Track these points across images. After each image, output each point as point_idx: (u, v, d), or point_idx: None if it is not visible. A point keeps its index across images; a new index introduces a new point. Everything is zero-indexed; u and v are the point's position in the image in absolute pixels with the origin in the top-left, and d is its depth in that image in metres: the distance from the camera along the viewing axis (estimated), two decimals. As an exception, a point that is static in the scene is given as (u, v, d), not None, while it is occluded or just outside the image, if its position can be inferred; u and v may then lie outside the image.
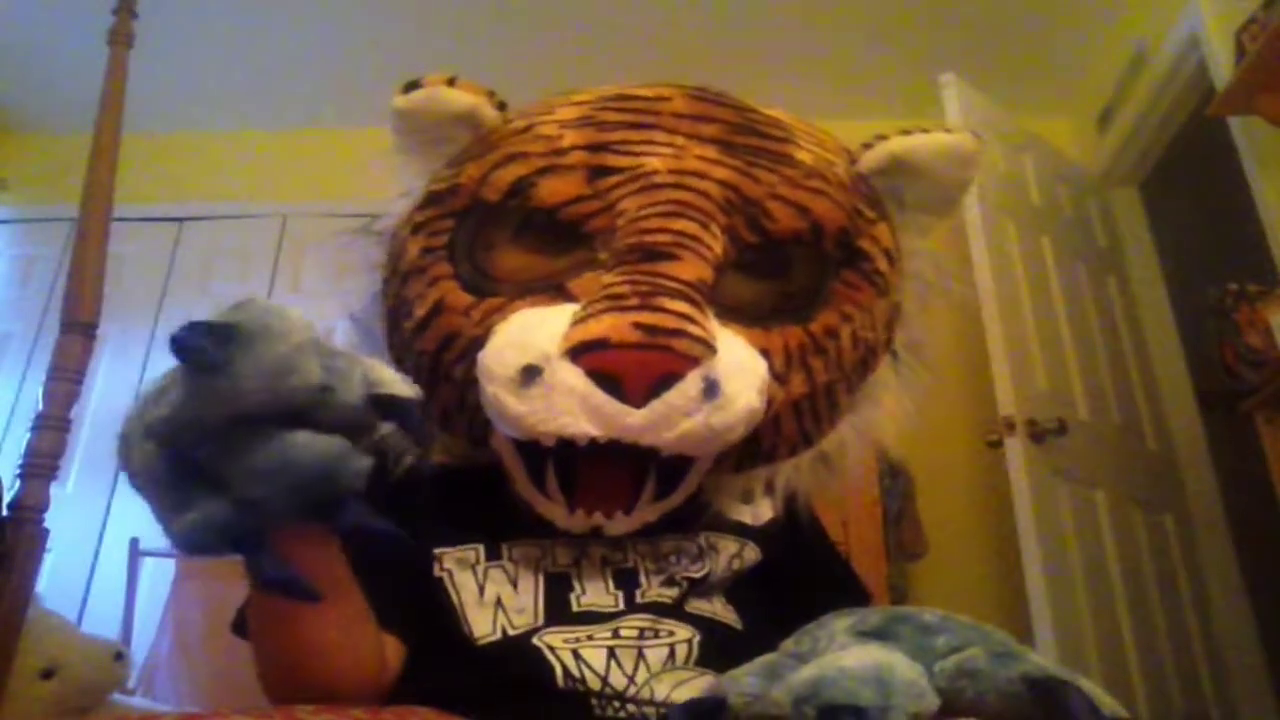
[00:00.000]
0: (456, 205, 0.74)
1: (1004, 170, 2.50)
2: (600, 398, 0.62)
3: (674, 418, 0.63)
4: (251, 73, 3.15)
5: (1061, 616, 1.97)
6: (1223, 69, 2.18)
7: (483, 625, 0.68)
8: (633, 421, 0.62)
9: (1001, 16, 2.77)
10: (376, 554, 0.65)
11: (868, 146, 0.79)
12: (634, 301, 0.64)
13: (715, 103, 0.77)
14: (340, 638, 0.61)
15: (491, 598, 0.69)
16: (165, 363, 0.47)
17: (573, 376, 0.62)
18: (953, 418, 2.64)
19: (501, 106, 0.78)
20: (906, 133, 0.79)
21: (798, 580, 0.79)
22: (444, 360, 0.72)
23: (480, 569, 0.70)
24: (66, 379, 1.38)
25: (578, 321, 0.65)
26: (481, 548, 0.71)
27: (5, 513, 1.29)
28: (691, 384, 0.63)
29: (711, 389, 0.63)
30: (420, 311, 0.72)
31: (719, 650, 0.68)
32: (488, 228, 0.73)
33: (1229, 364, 1.90)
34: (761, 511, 0.80)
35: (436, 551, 0.71)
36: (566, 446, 0.65)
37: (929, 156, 0.78)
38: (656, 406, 0.62)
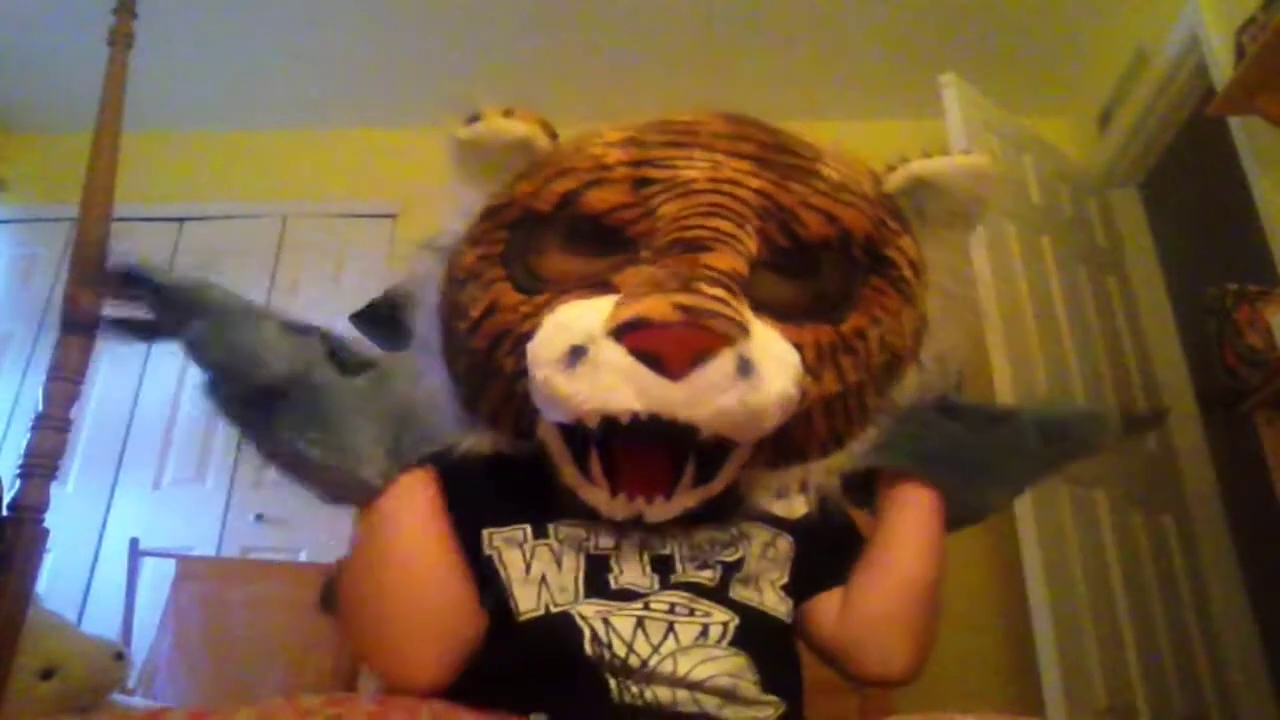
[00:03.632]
0: (510, 217, 0.80)
1: (1004, 170, 2.50)
2: (643, 373, 0.65)
3: (711, 393, 0.66)
4: (251, 73, 3.15)
5: (1061, 616, 1.97)
6: (1223, 69, 2.18)
7: (528, 600, 0.72)
8: (674, 395, 0.66)
9: (1001, 16, 2.78)
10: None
11: (892, 169, 0.85)
12: (673, 285, 0.69)
13: (751, 124, 0.83)
14: (463, 592, 0.70)
15: (537, 575, 0.73)
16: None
17: (617, 354, 0.66)
18: (953, 418, 2.63)
19: (553, 135, 0.84)
20: (927, 155, 0.84)
21: (822, 561, 0.82)
22: (496, 356, 0.76)
23: (528, 547, 0.74)
24: (66, 379, 1.38)
25: (620, 305, 0.69)
26: (529, 527, 0.76)
27: (5, 513, 1.29)
28: (727, 361, 0.66)
29: (745, 368, 0.67)
30: (475, 313, 0.78)
31: (758, 638, 0.72)
32: (539, 235, 0.79)
33: (1229, 364, 1.90)
34: (795, 506, 0.84)
35: (485, 531, 0.75)
36: (610, 429, 0.68)
37: (949, 177, 0.83)
38: (694, 380, 0.65)
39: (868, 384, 0.80)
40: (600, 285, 0.73)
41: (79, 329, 1.41)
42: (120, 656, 1.54)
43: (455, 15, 2.86)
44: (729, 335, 0.67)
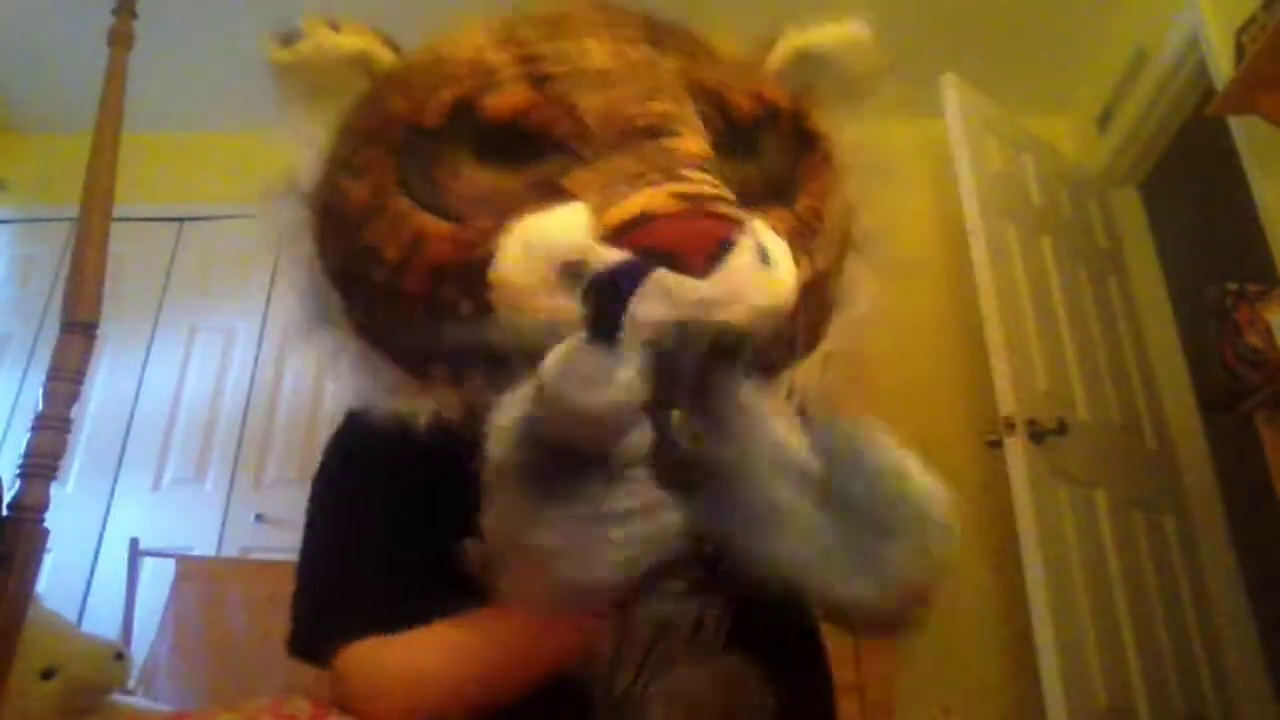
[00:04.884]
0: (393, 139, 0.67)
1: (1004, 170, 2.50)
2: (663, 273, 0.56)
3: (741, 288, 0.58)
4: (251, 73, 3.12)
5: (1061, 616, 1.97)
6: (1223, 69, 2.18)
7: None
8: (704, 294, 0.56)
9: (1001, 16, 2.77)
10: (420, 540, 0.65)
11: (764, 47, 0.79)
12: (657, 176, 0.59)
13: (620, 10, 0.73)
14: None
15: None
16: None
17: (623, 259, 0.56)
18: (953, 418, 2.64)
19: (394, 48, 0.74)
20: (801, 27, 0.79)
21: None
22: (442, 296, 0.63)
23: None
24: (66, 379, 1.38)
25: (601, 207, 0.58)
26: None
27: (5, 513, 1.29)
28: (747, 249, 0.58)
29: (764, 255, 0.60)
30: (393, 253, 0.64)
31: (756, 624, 0.67)
32: (436, 153, 0.66)
33: (1229, 364, 1.90)
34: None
35: (469, 544, 0.66)
36: None
37: (831, 45, 0.78)
38: (724, 274, 0.56)
39: (828, 267, 0.73)
40: (548, 195, 0.61)
41: (79, 329, 1.41)
42: (120, 656, 1.54)
43: (455, 16, 2.86)
44: (739, 220, 0.58)
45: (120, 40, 1.64)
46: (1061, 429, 2.15)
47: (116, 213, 1.52)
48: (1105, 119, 2.91)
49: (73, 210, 1.51)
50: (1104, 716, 1.97)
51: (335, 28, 0.71)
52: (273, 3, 3.17)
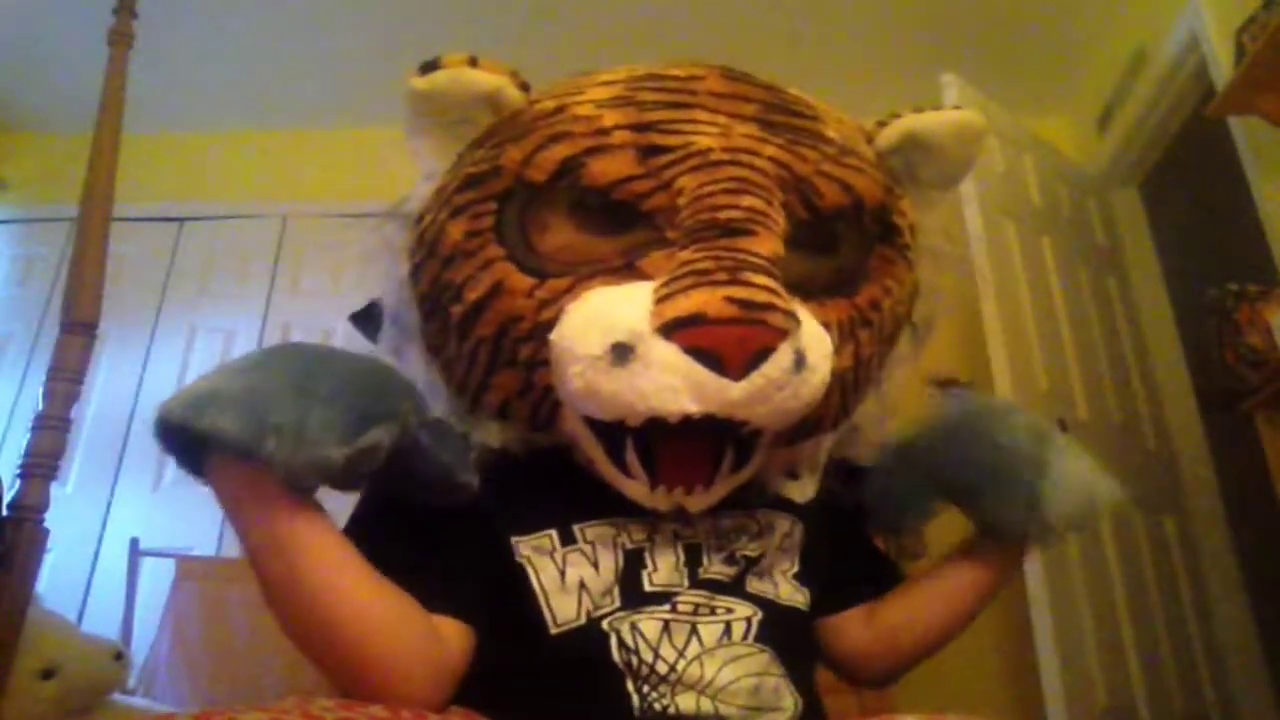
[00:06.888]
0: (499, 187, 0.71)
1: (1004, 170, 2.50)
2: (702, 373, 0.62)
3: (770, 391, 0.63)
4: (251, 73, 3.16)
5: (1061, 616, 1.97)
6: (1223, 69, 2.18)
7: (566, 611, 0.68)
8: (734, 396, 0.62)
9: (1001, 16, 2.78)
10: (442, 534, 0.69)
11: (882, 125, 0.80)
12: (721, 277, 0.64)
13: (748, 82, 0.76)
14: (381, 613, 0.63)
15: (574, 582, 0.69)
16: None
17: (670, 353, 0.62)
18: (953, 418, 2.63)
19: (525, 87, 0.76)
20: (919, 110, 0.80)
21: (835, 565, 0.82)
22: (505, 344, 0.70)
23: (558, 555, 0.71)
24: (66, 379, 1.38)
25: (664, 298, 0.64)
26: (555, 533, 0.71)
27: (5, 513, 1.29)
28: (784, 357, 0.63)
29: (800, 361, 0.64)
30: (473, 295, 0.70)
31: (781, 631, 0.71)
32: (537, 209, 0.71)
33: (1229, 364, 1.90)
34: (807, 488, 0.82)
35: (512, 540, 0.71)
36: (651, 424, 0.65)
37: (941, 133, 0.80)
38: (755, 380, 0.62)
39: (876, 355, 0.78)
40: (625, 269, 0.68)
41: (79, 329, 1.41)
42: (120, 656, 1.53)
43: (457, 14, 2.86)
44: (786, 330, 0.63)
45: (120, 40, 1.64)
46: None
47: (116, 213, 1.52)
48: (1105, 119, 2.91)
49: (73, 210, 1.51)
50: (1104, 716, 1.97)
51: (473, 63, 0.73)
52: (272, 3, 3.17)
